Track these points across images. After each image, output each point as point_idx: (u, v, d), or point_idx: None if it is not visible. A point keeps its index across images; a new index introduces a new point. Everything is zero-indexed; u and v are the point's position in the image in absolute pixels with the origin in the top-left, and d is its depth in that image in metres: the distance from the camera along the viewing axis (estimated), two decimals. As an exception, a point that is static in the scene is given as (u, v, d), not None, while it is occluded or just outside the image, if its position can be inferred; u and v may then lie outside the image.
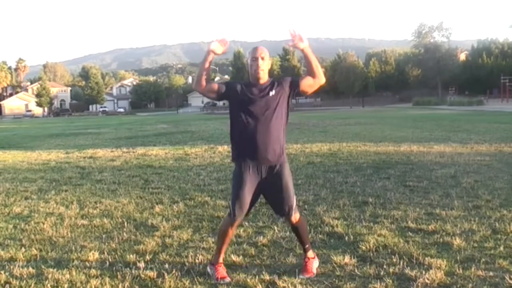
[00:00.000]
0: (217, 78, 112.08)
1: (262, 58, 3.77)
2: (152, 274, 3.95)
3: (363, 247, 4.46)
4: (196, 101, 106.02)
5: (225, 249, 4.08)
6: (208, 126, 27.72)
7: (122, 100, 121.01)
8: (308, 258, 4.02)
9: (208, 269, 3.99)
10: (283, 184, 3.83)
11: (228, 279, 3.83)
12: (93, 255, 4.46)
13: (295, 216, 3.92)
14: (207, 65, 3.79)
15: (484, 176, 8.01)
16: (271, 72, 3.96)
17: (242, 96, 3.79)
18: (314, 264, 4.01)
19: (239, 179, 3.83)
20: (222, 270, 3.92)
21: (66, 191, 7.88)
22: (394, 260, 4.12)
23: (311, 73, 3.85)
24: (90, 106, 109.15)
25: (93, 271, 4.07)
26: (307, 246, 4.07)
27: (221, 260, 4.01)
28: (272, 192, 3.88)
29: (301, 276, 3.85)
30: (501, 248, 4.33)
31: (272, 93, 3.78)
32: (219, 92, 3.87)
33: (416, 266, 3.98)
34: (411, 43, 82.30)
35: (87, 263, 4.30)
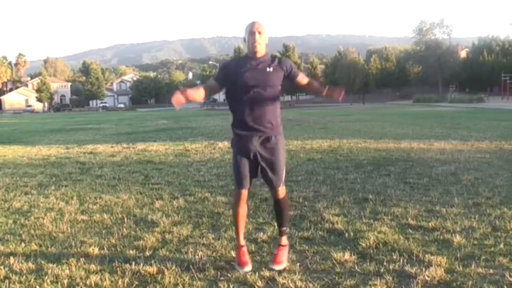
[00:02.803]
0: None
1: (259, 33, 3.83)
2: (152, 270, 3.95)
3: (363, 244, 4.46)
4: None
5: (242, 228, 4.08)
6: (209, 122, 27.72)
7: (122, 95, 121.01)
8: (281, 246, 4.06)
9: (235, 251, 4.10)
10: (277, 156, 3.89)
11: (247, 268, 3.88)
12: (93, 251, 4.46)
13: (282, 189, 3.99)
14: (190, 96, 3.74)
15: (484, 174, 8.00)
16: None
17: (239, 71, 3.84)
18: (286, 253, 4.05)
19: (237, 151, 3.92)
20: (243, 255, 3.99)
21: (66, 186, 7.88)
22: (394, 257, 4.11)
23: (309, 86, 4.06)
24: (91, 102, 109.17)
25: (92, 267, 4.07)
26: (284, 228, 4.13)
27: (242, 241, 4.06)
28: (266, 163, 3.91)
29: (272, 267, 3.89)
30: (501, 246, 4.32)
31: (269, 68, 3.85)
32: (220, 83, 3.95)
33: (416, 263, 3.98)
34: (412, 40, 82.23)
35: (87, 258, 4.30)
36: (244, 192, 3.95)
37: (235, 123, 3.97)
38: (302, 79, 3.99)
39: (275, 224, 5.11)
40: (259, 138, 3.85)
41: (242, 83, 3.81)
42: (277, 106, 3.93)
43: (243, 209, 4.02)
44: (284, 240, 4.12)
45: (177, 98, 3.65)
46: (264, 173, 3.97)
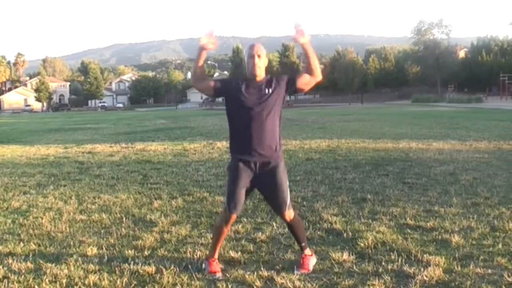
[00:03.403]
0: (216, 74, 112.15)
1: (259, 56, 3.79)
2: (151, 269, 3.95)
3: (362, 244, 4.46)
4: (195, 96, 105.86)
5: (220, 245, 4.08)
6: (207, 122, 27.70)
7: (121, 95, 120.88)
8: (305, 255, 4.02)
9: (203, 263, 4.01)
10: (277, 181, 3.83)
11: (219, 275, 3.85)
12: (92, 250, 4.46)
13: (289, 214, 3.92)
14: (200, 62, 3.80)
15: (483, 174, 8.01)
16: (270, 68, 3.97)
17: (238, 93, 3.79)
18: (312, 261, 4.01)
19: (234, 175, 3.84)
20: (215, 265, 3.94)
21: (64, 186, 7.88)
22: (393, 257, 4.12)
23: (309, 69, 3.87)
24: (89, 101, 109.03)
25: (91, 266, 4.07)
26: (303, 244, 4.06)
27: (216, 256, 4.02)
28: (266, 188, 3.90)
29: (297, 272, 3.87)
30: (500, 246, 4.33)
31: (268, 90, 3.79)
32: (215, 89, 3.89)
33: (414, 263, 3.98)
34: (411, 40, 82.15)
35: (85, 258, 4.30)
36: (234, 217, 3.91)
37: (233, 146, 3.91)
38: (303, 77, 3.89)
39: (274, 225, 5.14)
40: (259, 163, 3.80)
41: (241, 106, 3.77)
42: (277, 129, 3.86)
43: (227, 230, 4.03)
44: (308, 251, 4.07)
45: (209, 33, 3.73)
46: (267, 199, 3.96)
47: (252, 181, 3.83)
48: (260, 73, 3.81)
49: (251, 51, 3.80)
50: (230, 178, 3.90)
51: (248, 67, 3.82)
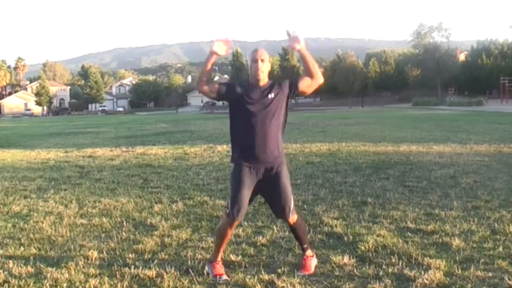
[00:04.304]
0: (216, 78, 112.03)
1: (262, 60, 3.81)
2: (151, 273, 3.95)
3: (362, 247, 4.46)
4: (196, 100, 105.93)
5: (223, 248, 4.09)
6: (208, 126, 27.71)
7: (121, 99, 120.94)
8: (307, 256, 4.04)
9: (206, 267, 4.01)
10: (280, 185, 3.85)
11: (225, 277, 3.85)
12: (92, 254, 4.46)
13: (293, 218, 3.93)
14: (208, 66, 3.84)
15: (483, 177, 8.01)
16: (271, 72, 3.98)
17: (241, 98, 3.82)
18: (313, 262, 4.03)
19: (237, 180, 3.84)
20: (219, 268, 3.94)
21: (65, 190, 7.88)
22: (393, 260, 4.11)
23: (308, 73, 3.88)
24: (90, 105, 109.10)
25: (92, 270, 4.07)
26: (305, 245, 4.09)
27: (219, 258, 4.02)
28: (269, 193, 3.91)
29: (299, 273, 3.88)
30: (500, 249, 4.33)
31: (271, 95, 3.81)
32: (219, 93, 3.90)
33: (415, 266, 3.98)
34: (411, 43, 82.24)
35: (86, 262, 4.30)
36: (237, 222, 3.93)
37: (236, 151, 3.93)
38: (304, 80, 3.90)
39: (274, 228, 5.14)
40: (262, 168, 3.82)
41: (245, 111, 3.79)
42: (279, 134, 3.88)
43: (230, 234, 4.05)
44: (309, 252, 4.09)
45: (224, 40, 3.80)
46: (271, 204, 3.97)
47: (255, 187, 3.85)
48: (264, 78, 3.83)
49: (255, 55, 3.82)
50: (233, 184, 3.90)
51: (252, 72, 3.85)
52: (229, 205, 3.88)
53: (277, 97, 3.82)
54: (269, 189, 3.88)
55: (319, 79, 3.88)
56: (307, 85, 3.90)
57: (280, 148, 3.88)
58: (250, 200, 3.93)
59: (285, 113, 3.92)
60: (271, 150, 3.81)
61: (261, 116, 3.77)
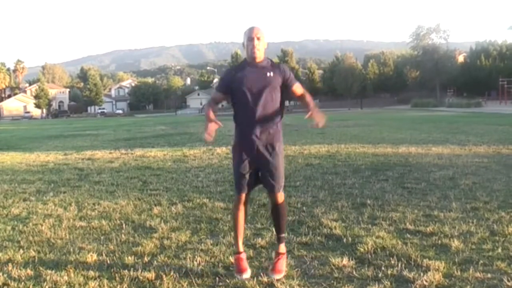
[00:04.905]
0: (215, 80, 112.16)
1: (258, 38, 3.87)
2: (150, 276, 3.95)
3: (361, 249, 4.46)
4: (195, 102, 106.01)
5: (241, 235, 4.08)
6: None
7: (120, 101, 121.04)
8: (280, 254, 4.02)
9: (233, 258, 4.09)
10: (274, 161, 3.92)
11: (245, 275, 3.86)
12: (91, 257, 4.46)
13: (281, 194, 4.00)
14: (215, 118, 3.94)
15: (482, 178, 8.02)
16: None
17: (241, 79, 3.90)
18: (284, 262, 4.03)
19: (237, 157, 3.98)
20: (242, 263, 3.96)
21: (64, 192, 7.88)
22: (392, 262, 4.12)
23: (300, 99, 4.13)
24: (89, 108, 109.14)
25: (91, 273, 4.07)
26: (282, 235, 4.11)
27: (241, 248, 4.04)
28: (263, 167, 3.95)
29: (272, 276, 3.85)
30: (499, 250, 4.33)
31: (269, 73, 3.90)
32: (226, 94, 4.04)
33: (414, 268, 3.99)
34: (409, 45, 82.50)
35: (85, 264, 4.30)
36: (244, 196, 3.98)
37: (237, 129, 4.03)
38: (297, 89, 4.06)
39: (273, 230, 5.13)
40: (260, 144, 3.89)
41: (243, 89, 3.87)
42: (277, 111, 3.96)
43: (242, 213, 4.04)
44: (283, 247, 4.09)
45: (211, 129, 3.89)
46: (264, 178, 3.98)
47: (254, 161, 3.92)
48: (260, 55, 3.90)
49: (250, 33, 3.88)
50: (234, 160, 4.05)
51: (248, 50, 3.90)
52: (234, 181, 4.02)
53: (276, 77, 3.91)
54: (264, 164, 3.93)
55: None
56: (296, 95, 4.08)
57: (278, 124, 3.97)
58: (254, 178, 3.98)
59: (281, 97, 4.00)
60: (268, 125, 3.90)
61: (259, 91, 3.86)
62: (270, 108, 3.89)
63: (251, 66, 3.91)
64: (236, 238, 4.07)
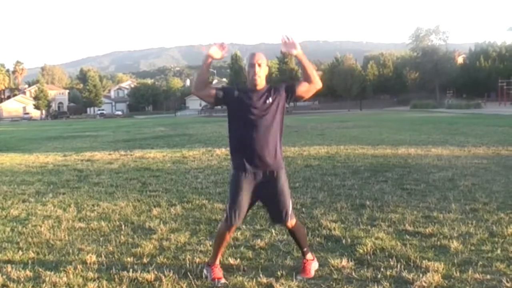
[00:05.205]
0: (215, 81, 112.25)
1: (259, 65, 3.81)
2: (150, 277, 3.95)
3: (361, 250, 4.46)
4: (194, 104, 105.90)
5: (222, 252, 4.09)
6: (206, 129, 27.70)
7: (120, 103, 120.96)
8: (307, 260, 4.04)
9: (204, 270, 4.01)
10: (278, 189, 3.85)
11: (223, 280, 3.85)
12: (91, 258, 4.46)
13: (291, 222, 3.93)
14: (205, 69, 3.84)
15: (481, 179, 8.03)
16: (269, 75, 3.99)
17: (239, 102, 3.83)
18: (313, 266, 4.03)
19: (236, 185, 3.85)
20: (218, 271, 3.94)
21: (63, 194, 7.87)
22: (392, 263, 4.12)
23: (306, 78, 3.89)
24: (88, 109, 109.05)
25: (90, 274, 4.07)
26: (305, 249, 4.08)
27: (217, 262, 4.02)
28: (268, 197, 3.90)
29: (298, 277, 3.88)
30: (498, 251, 4.34)
31: (269, 100, 3.81)
32: (216, 98, 3.91)
33: (413, 269, 3.99)
34: (409, 46, 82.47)
35: (84, 266, 4.30)
36: (235, 227, 3.96)
37: (234, 156, 3.93)
38: (302, 85, 3.92)
39: (273, 231, 5.14)
40: (261, 173, 3.83)
41: (243, 115, 3.80)
42: (278, 138, 3.88)
43: (229, 237, 4.07)
44: (310, 255, 4.09)
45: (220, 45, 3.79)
46: (269, 208, 3.97)
47: (254, 192, 3.85)
48: (261, 82, 3.83)
49: (252, 60, 3.82)
50: (231, 189, 3.90)
51: (249, 77, 3.83)
52: (227, 210, 3.88)
53: (275, 102, 3.83)
54: (268, 194, 3.87)
55: (317, 84, 3.89)
56: (304, 90, 3.91)
57: (278, 152, 3.88)
58: (250, 205, 3.94)
59: (282, 118, 3.92)
60: (270, 155, 3.80)
61: (260, 121, 3.77)
62: (269, 134, 3.80)
63: (253, 94, 3.83)
64: (216, 254, 4.03)
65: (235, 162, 3.92)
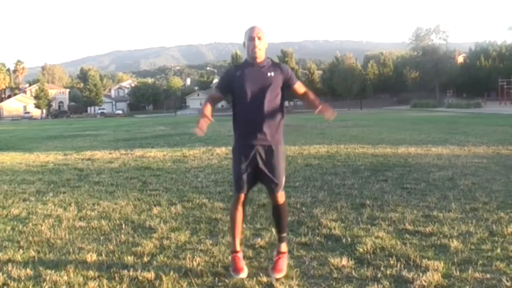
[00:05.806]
0: (215, 80, 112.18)
1: (259, 38, 3.87)
2: (150, 276, 3.95)
3: (361, 249, 4.47)
4: (194, 103, 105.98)
5: (238, 234, 4.08)
6: (206, 128, 27.63)
7: (120, 102, 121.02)
8: (280, 253, 4.05)
9: (230, 257, 4.08)
10: (274, 162, 3.92)
11: (242, 274, 3.86)
12: (91, 257, 4.47)
13: (281, 194, 4.01)
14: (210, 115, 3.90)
15: (481, 179, 8.03)
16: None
17: (241, 78, 3.90)
18: (285, 261, 4.04)
19: (237, 157, 3.98)
20: (239, 262, 3.95)
21: (64, 193, 7.88)
22: (391, 262, 4.12)
23: (304, 98, 4.09)
24: (89, 108, 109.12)
25: (90, 273, 4.07)
26: (283, 235, 4.13)
27: (238, 247, 4.05)
28: (264, 168, 3.94)
29: (272, 275, 3.86)
30: (498, 251, 4.34)
31: (270, 73, 3.89)
32: (225, 95, 4.05)
33: (413, 268, 3.99)
34: (409, 45, 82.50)
35: (84, 265, 4.30)
36: (242, 196, 3.99)
37: (236, 130, 4.03)
38: (299, 87, 4.03)
39: (273, 230, 5.14)
40: (260, 145, 3.89)
41: (243, 88, 3.87)
42: (278, 111, 3.95)
43: (240, 213, 4.04)
44: (284, 247, 4.11)
45: (202, 124, 3.82)
46: (265, 179, 3.98)
47: (254, 161, 3.91)
48: (261, 55, 3.89)
49: (251, 33, 3.87)
50: (234, 160, 4.03)
51: (249, 50, 3.90)
52: (233, 181, 4.02)
53: (276, 77, 3.90)
54: (264, 164, 3.92)
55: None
56: (298, 93, 4.05)
57: (278, 125, 3.95)
58: (254, 178, 3.98)
59: (282, 98, 3.99)
60: (269, 126, 3.88)
61: (261, 93, 3.85)
62: (270, 108, 3.88)
63: (252, 66, 3.91)
64: (233, 237, 4.07)
65: (236, 135, 4.02)
